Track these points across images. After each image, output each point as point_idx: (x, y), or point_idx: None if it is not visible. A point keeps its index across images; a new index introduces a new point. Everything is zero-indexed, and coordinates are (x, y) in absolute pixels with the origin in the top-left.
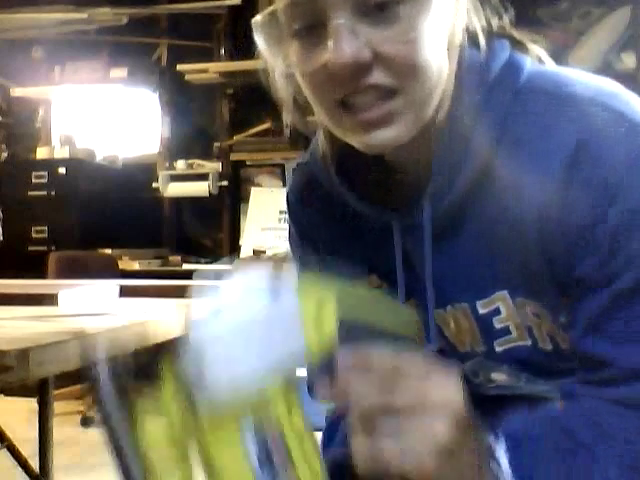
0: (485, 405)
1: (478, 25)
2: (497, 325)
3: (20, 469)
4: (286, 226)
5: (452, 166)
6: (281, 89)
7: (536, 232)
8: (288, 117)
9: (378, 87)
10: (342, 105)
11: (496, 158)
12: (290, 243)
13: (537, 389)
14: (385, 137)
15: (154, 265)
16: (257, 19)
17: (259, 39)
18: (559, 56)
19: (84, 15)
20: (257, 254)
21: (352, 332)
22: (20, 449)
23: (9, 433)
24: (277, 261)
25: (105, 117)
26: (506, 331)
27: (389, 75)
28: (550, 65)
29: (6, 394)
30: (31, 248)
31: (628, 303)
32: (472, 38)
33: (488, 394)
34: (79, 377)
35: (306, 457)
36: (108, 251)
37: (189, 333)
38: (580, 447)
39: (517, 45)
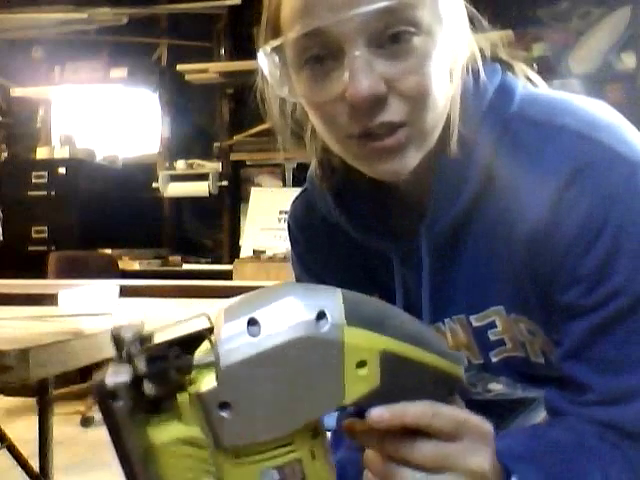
0: (484, 414)
1: (476, 50)
2: (492, 337)
3: (20, 469)
4: (285, 226)
5: (449, 192)
6: (277, 116)
7: (526, 255)
8: (281, 142)
9: (392, 120)
10: (357, 135)
11: (490, 185)
12: (293, 268)
13: (530, 397)
14: (400, 165)
15: (154, 265)
16: (265, 48)
17: (264, 66)
18: (559, 56)
19: (84, 15)
20: (257, 254)
21: (397, 379)
22: (20, 449)
23: (9, 433)
24: (278, 261)
25: (105, 117)
26: (501, 342)
27: (402, 107)
28: (540, 86)
29: (6, 394)
30: (31, 248)
31: (610, 330)
32: (466, 64)
33: (485, 400)
34: (79, 377)
35: None
36: (108, 251)
37: (222, 354)
38: (565, 461)
39: (507, 67)
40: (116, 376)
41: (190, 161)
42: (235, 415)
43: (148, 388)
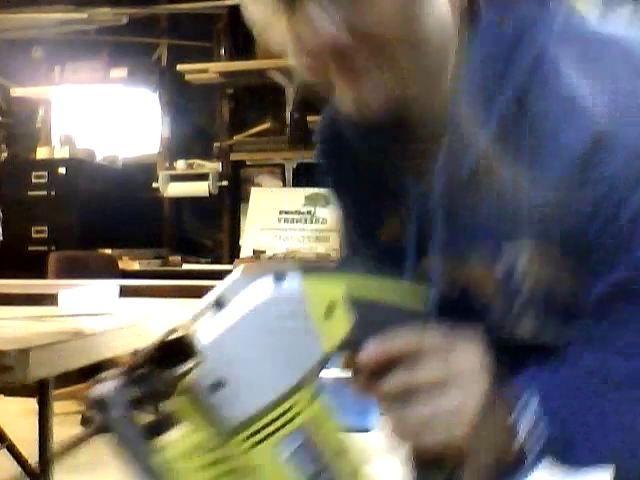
0: (514, 356)
1: None
2: (514, 281)
3: (20, 469)
4: (286, 226)
5: (466, 133)
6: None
7: (554, 203)
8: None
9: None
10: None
11: (511, 132)
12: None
13: (561, 337)
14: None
15: (154, 265)
16: None
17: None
18: None
19: (84, 15)
20: (257, 254)
21: (368, 319)
22: (20, 449)
23: (9, 433)
24: (278, 261)
25: (105, 117)
26: (523, 282)
27: (372, 57)
28: (585, 14)
29: (6, 394)
30: (31, 248)
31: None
32: None
33: (515, 345)
34: (79, 377)
35: (341, 457)
36: (108, 251)
37: (198, 339)
38: (609, 390)
39: None
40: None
41: (190, 161)
42: (229, 390)
43: (143, 418)
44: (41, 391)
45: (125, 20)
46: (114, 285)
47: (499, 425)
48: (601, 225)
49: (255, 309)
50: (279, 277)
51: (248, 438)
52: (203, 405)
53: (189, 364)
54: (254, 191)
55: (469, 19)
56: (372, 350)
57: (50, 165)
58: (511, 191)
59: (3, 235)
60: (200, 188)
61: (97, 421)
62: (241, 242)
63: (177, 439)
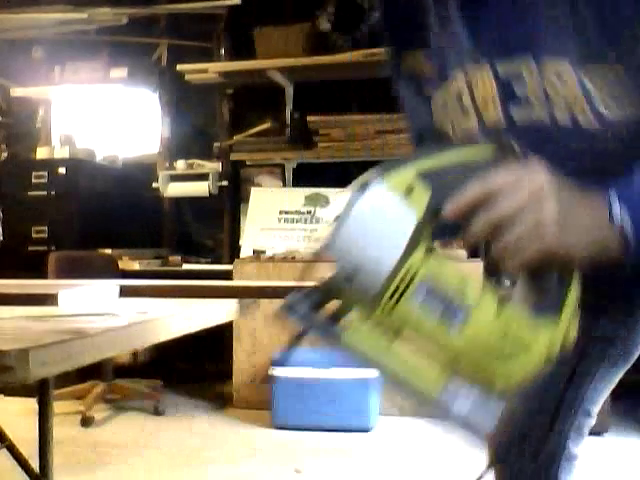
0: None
1: None
2: (518, 91)
3: (20, 469)
4: (286, 226)
5: None
6: None
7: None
8: None
9: None
10: None
11: None
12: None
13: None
14: None
15: (154, 265)
16: None
17: None
18: None
19: (84, 15)
20: (257, 254)
21: (441, 183)
22: (20, 449)
23: (9, 433)
24: (278, 261)
25: (105, 117)
26: (526, 101)
27: None
28: None
29: (6, 394)
30: (31, 248)
31: None
32: None
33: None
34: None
35: (462, 291)
36: (108, 251)
37: (326, 247)
38: None
39: None
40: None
41: (190, 161)
42: (361, 275)
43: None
44: (41, 391)
45: (125, 20)
46: (114, 285)
47: (593, 219)
48: None
49: (356, 211)
50: (364, 186)
51: (388, 301)
52: (351, 292)
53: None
54: (254, 191)
55: None
56: (452, 206)
57: (50, 165)
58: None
59: (3, 235)
60: (200, 188)
61: (295, 319)
62: (241, 242)
63: (348, 320)
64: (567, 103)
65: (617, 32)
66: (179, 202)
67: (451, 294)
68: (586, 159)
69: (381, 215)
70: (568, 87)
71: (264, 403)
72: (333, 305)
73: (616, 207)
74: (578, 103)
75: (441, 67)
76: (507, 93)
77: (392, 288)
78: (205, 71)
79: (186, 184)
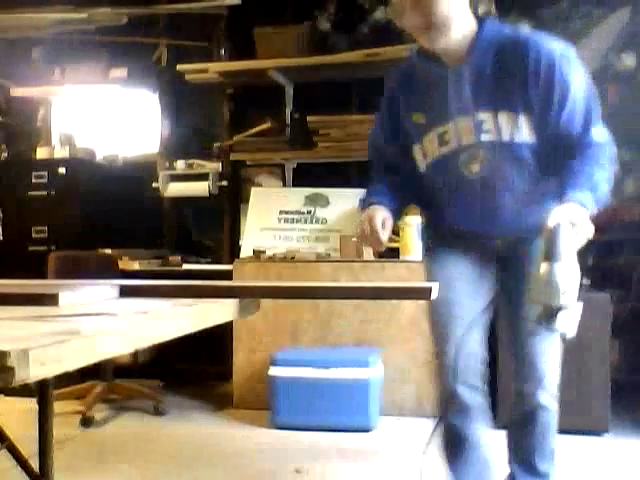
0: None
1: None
2: (485, 127)
3: (20, 469)
4: (286, 226)
5: (475, 46)
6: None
7: (531, 79)
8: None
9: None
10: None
11: (500, 47)
12: (384, 102)
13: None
14: (437, 43)
15: (154, 265)
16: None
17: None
18: None
19: (84, 15)
20: (257, 254)
21: None
22: (20, 449)
23: (9, 433)
24: (278, 261)
25: (105, 117)
26: (490, 131)
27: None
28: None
29: (6, 394)
30: (31, 248)
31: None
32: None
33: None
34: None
35: None
36: (108, 251)
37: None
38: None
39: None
40: None
41: (190, 161)
42: None
43: None
44: (41, 391)
45: (125, 20)
46: (114, 285)
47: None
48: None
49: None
50: None
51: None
52: None
53: None
54: (254, 191)
55: (478, 20)
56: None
57: (50, 165)
58: (507, 71)
59: (3, 235)
60: (200, 188)
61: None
62: (241, 242)
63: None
64: (509, 131)
65: (538, 104)
66: (179, 202)
67: None
68: (514, 157)
69: None
70: (511, 124)
71: (264, 403)
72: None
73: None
74: (514, 131)
75: (432, 119)
76: (478, 128)
77: None
78: (205, 71)
79: (186, 184)
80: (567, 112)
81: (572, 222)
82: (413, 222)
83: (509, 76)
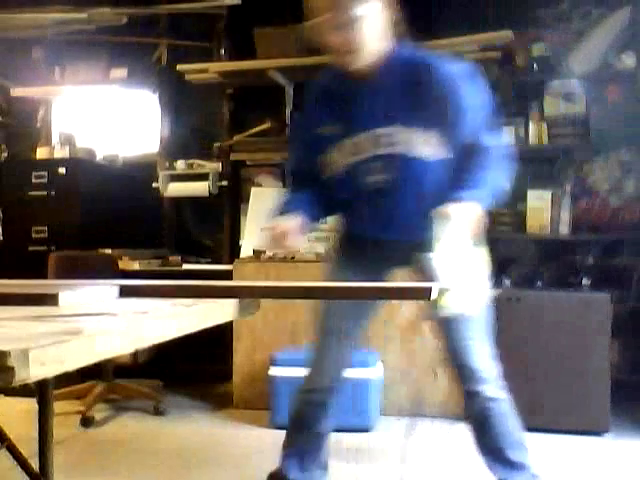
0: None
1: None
2: (384, 141)
3: (20, 469)
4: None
5: (386, 67)
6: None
7: (433, 98)
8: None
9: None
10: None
11: (407, 63)
12: (304, 113)
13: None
14: (355, 64)
15: (154, 265)
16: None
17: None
18: (559, 56)
19: (84, 15)
20: (257, 254)
21: None
22: (20, 449)
23: (9, 433)
24: (278, 261)
25: (105, 117)
26: (389, 144)
27: (351, 47)
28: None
29: (6, 394)
30: (31, 248)
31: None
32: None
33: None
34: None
35: None
36: (108, 251)
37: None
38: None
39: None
40: None
41: (190, 161)
42: None
43: None
44: (41, 391)
45: (125, 20)
46: (114, 285)
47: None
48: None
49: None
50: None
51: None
52: None
53: None
54: (254, 191)
55: (391, 43)
56: None
57: (50, 165)
58: (406, 90)
59: (3, 235)
60: (200, 188)
61: None
62: (241, 242)
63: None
64: (413, 144)
65: (440, 120)
66: (179, 202)
67: None
68: (416, 168)
69: None
70: (414, 137)
71: (264, 403)
72: None
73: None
74: (417, 144)
75: (344, 131)
76: (385, 141)
77: None
78: (205, 71)
79: (186, 184)
80: (466, 125)
81: (459, 213)
82: None
83: (414, 94)
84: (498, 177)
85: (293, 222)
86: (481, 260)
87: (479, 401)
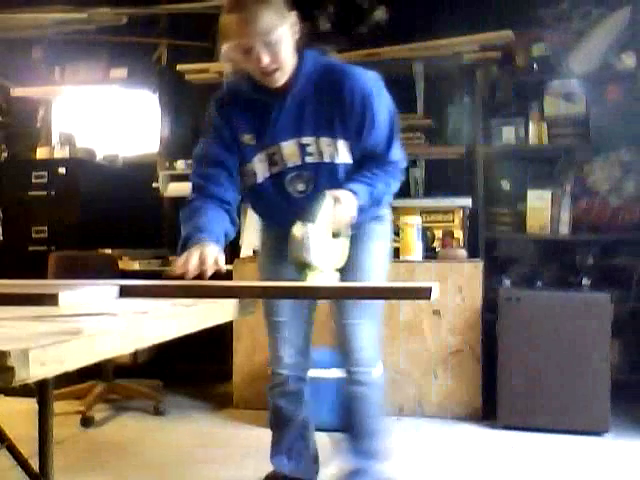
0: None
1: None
2: (309, 150)
3: (20, 469)
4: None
5: (300, 82)
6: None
7: (348, 109)
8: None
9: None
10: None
11: (319, 76)
12: (209, 120)
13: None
14: (279, 82)
15: (154, 265)
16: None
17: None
18: (559, 56)
19: (84, 15)
20: (256, 254)
21: None
22: (20, 449)
23: (9, 433)
24: None
25: (105, 117)
26: (314, 153)
27: (277, 66)
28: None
29: (6, 394)
30: (31, 248)
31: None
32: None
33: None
34: (79, 377)
35: None
36: (108, 251)
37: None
38: (375, 179)
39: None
40: None
41: (190, 161)
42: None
43: None
44: (41, 391)
45: (125, 20)
46: (114, 285)
47: (353, 202)
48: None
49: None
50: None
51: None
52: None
53: None
54: None
55: (304, 54)
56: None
57: (50, 165)
58: (321, 102)
59: (3, 235)
60: None
61: None
62: (241, 242)
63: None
64: (330, 154)
65: (353, 130)
66: (179, 202)
67: None
68: (332, 174)
69: None
70: (331, 147)
71: (264, 403)
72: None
73: (356, 196)
74: (334, 153)
75: (263, 142)
76: (303, 151)
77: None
78: (205, 71)
79: (186, 184)
80: (375, 136)
81: (337, 199)
82: (413, 222)
83: (328, 105)
84: (385, 187)
85: (211, 252)
86: (341, 249)
87: (353, 382)
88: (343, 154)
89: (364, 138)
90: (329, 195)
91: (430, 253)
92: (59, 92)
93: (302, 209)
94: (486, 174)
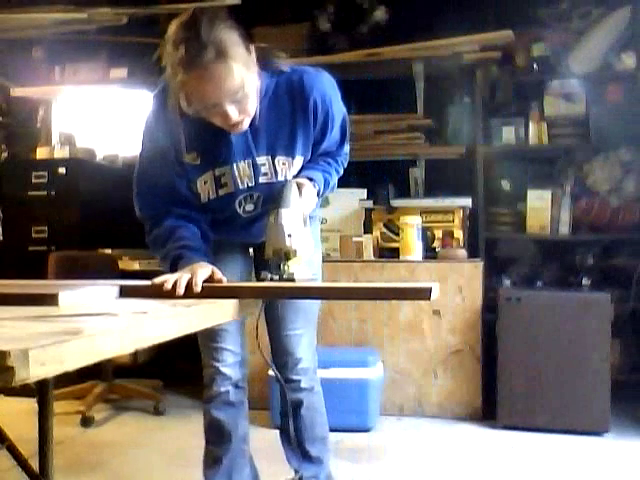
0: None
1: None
2: (263, 170)
3: (20, 469)
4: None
5: (260, 108)
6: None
7: (311, 118)
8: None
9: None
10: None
11: (278, 96)
12: (146, 132)
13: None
14: (244, 128)
15: (154, 265)
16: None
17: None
18: (559, 56)
19: (84, 15)
20: None
21: None
22: (20, 449)
23: (9, 433)
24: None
25: (105, 117)
26: (266, 173)
27: (245, 116)
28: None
29: (6, 394)
30: (31, 248)
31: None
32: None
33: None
34: (79, 377)
35: None
36: (108, 251)
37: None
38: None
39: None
40: None
41: None
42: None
43: None
44: (41, 391)
45: (125, 20)
46: (114, 285)
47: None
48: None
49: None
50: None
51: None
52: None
53: None
54: None
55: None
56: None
57: (50, 165)
58: (278, 121)
59: (3, 235)
60: None
61: None
62: None
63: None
64: (284, 172)
65: (314, 139)
66: None
67: None
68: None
69: None
70: (286, 165)
71: (264, 403)
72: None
73: (314, 183)
74: (288, 171)
75: (208, 162)
76: (257, 171)
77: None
78: None
79: None
80: (331, 139)
81: (301, 186)
82: (413, 222)
83: (290, 119)
84: (336, 174)
85: (207, 273)
86: (310, 238)
87: (294, 390)
88: (296, 169)
89: (319, 144)
90: (293, 182)
91: (430, 253)
92: (59, 92)
93: (248, 226)
94: (486, 174)
